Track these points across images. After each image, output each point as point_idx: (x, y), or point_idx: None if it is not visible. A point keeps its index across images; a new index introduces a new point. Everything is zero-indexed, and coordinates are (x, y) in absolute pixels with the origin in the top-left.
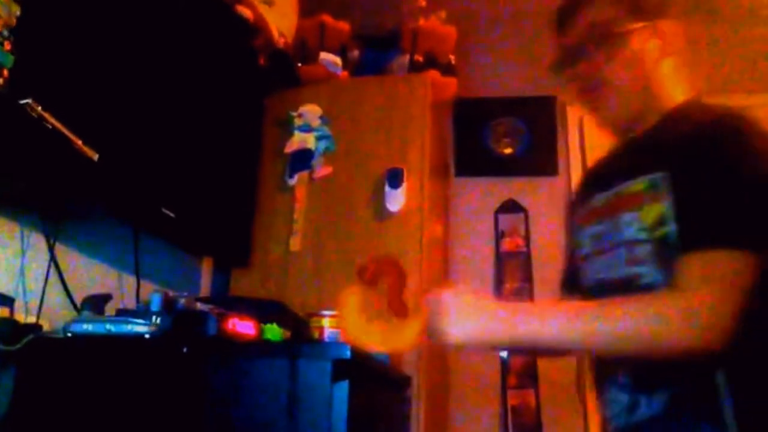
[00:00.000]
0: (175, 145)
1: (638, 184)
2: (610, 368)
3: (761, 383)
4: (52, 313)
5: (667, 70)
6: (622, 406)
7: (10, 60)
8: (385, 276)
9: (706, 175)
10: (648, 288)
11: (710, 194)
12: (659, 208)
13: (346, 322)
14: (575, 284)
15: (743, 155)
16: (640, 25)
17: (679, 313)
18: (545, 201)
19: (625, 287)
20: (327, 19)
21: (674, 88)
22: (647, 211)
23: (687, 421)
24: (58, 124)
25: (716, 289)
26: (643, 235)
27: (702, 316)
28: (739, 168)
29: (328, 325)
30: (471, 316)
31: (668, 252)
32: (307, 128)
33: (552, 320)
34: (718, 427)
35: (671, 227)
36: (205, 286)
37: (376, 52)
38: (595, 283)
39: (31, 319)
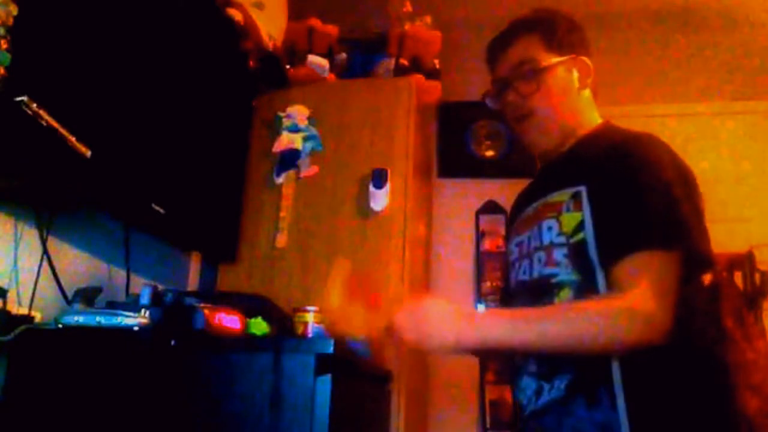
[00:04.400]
0: (165, 144)
1: (561, 196)
2: (523, 359)
3: (649, 371)
4: (44, 305)
5: (585, 100)
6: (531, 392)
7: (6, 58)
8: (359, 291)
9: (626, 187)
10: (560, 285)
11: (631, 204)
12: (578, 216)
13: (330, 298)
14: (511, 297)
15: (654, 167)
16: (562, 59)
17: (622, 313)
18: None
19: (541, 285)
20: (315, 23)
21: (591, 114)
22: (566, 219)
23: (583, 401)
24: (52, 121)
25: (650, 288)
26: (560, 240)
27: (641, 313)
28: (652, 178)
29: (312, 321)
30: (446, 322)
31: (582, 255)
32: (294, 128)
33: (514, 324)
34: (609, 406)
35: (587, 234)
36: (193, 280)
37: (362, 55)
38: (518, 284)
39: (24, 311)
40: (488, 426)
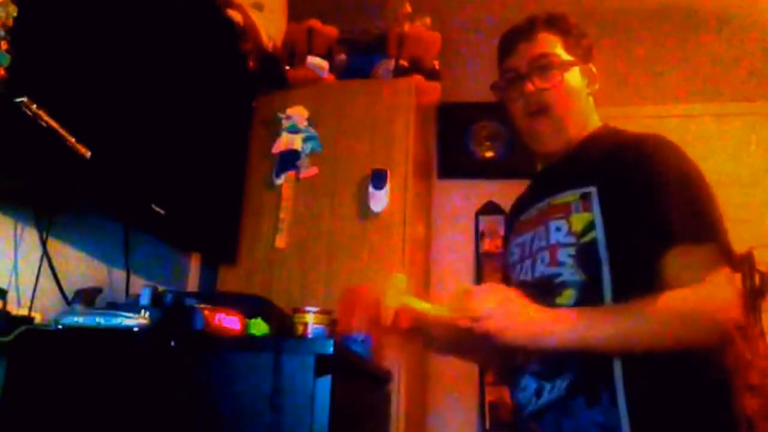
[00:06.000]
0: (165, 145)
1: (569, 196)
2: (524, 359)
3: (650, 371)
4: (44, 306)
5: (590, 106)
6: (532, 392)
7: (6, 59)
8: (358, 307)
9: (656, 183)
10: (563, 286)
11: (669, 198)
12: (587, 216)
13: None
14: None
15: (681, 165)
16: (576, 63)
17: (699, 306)
18: None
19: (544, 286)
20: (315, 23)
21: (593, 119)
22: (576, 219)
23: (583, 401)
24: (52, 122)
25: (721, 282)
26: (569, 240)
27: (720, 308)
28: (682, 175)
29: (312, 321)
30: (528, 319)
31: (590, 255)
32: (294, 129)
33: (593, 323)
34: (610, 406)
35: (598, 233)
36: (192, 281)
37: (362, 56)
38: (519, 284)
39: (23, 312)
40: (487, 427)
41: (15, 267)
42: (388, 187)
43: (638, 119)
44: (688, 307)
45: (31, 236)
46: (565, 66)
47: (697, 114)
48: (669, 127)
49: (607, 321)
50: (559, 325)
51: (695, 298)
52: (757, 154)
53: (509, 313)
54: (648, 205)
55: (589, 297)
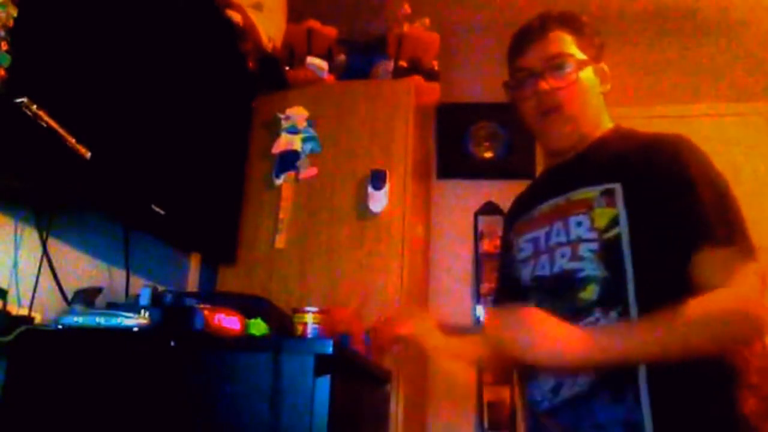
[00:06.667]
0: (165, 145)
1: (589, 192)
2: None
3: (672, 369)
4: (44, 306)
5: (602, 104)
6: (547, 389)
7: (6, 60)
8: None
9: (690, 182)
10: (586, 281)
11: (698, 199)
12: (611, 212)
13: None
14: (511, 296)
15: (711, 165)
16: (589, 62)
17: (736, 308)
18: None
19: (565, 281)
20: (314, 24)
21: (605, 118)
22: (599, 214)
23: (607, 396)
24: (52, 123)
25: (756, 283)
26: (591, 235)
27: (754, 308)
28: (714, 176)
29: (311, 321)
30: (559, 332)
31: (613, 251)
32: (293, 130)
33: (632, 337)
34: (634, 403)
35: (622, 229)
36: (192, 281)
37: (361, 57)
38: (534, 279)
39: (24, 311)
40: (486, 427)
41: (15, 267)
42: (387, 187)
43: (638, 120)
44: (727, 308)
45: (31, 236)
46: (580, 65)
47: (694, 115)
48: (667, 129)
49: (643, 331)
50: (592, 340)
51: (733, 297)
52: (756, 155)
53: (535, 334)
54: (680, 205)
55: (611, 292)
